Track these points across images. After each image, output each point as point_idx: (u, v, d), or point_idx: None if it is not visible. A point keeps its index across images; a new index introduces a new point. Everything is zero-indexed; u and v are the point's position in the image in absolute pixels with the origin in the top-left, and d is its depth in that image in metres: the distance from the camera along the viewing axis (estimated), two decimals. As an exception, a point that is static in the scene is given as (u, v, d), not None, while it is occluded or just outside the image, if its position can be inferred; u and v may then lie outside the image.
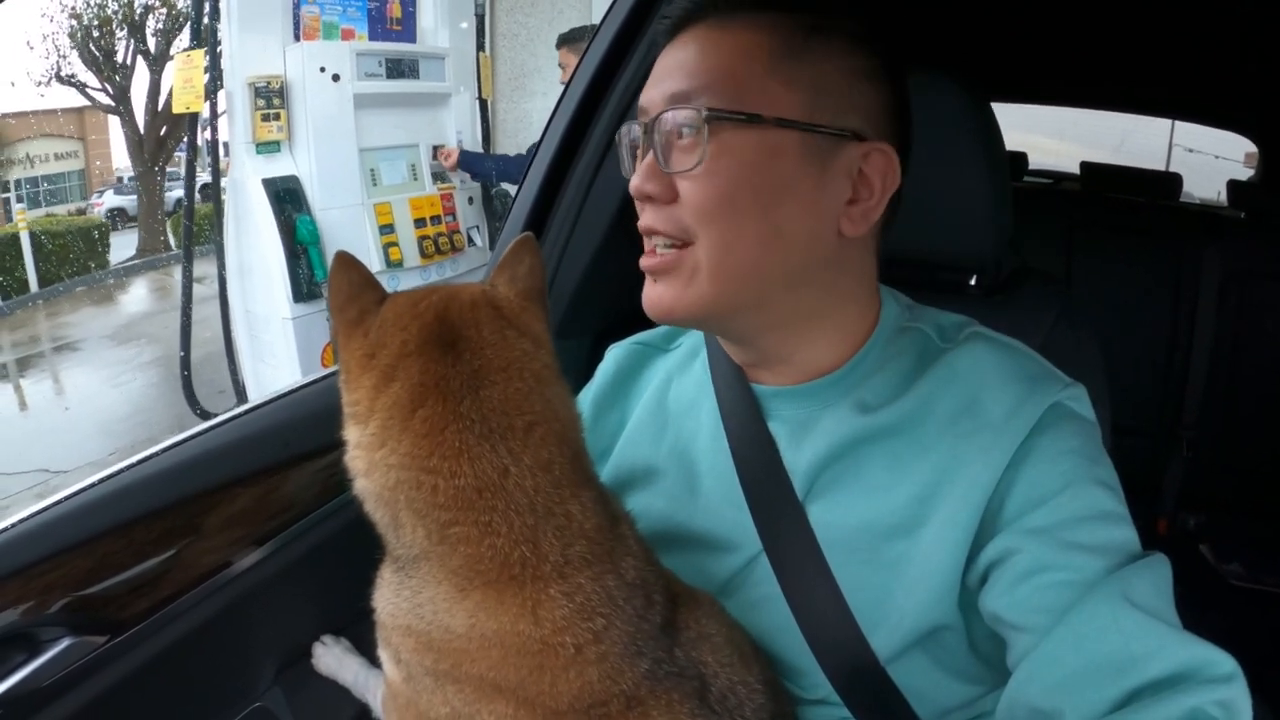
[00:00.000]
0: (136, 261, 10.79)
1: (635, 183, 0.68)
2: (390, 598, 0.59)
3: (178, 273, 3.51)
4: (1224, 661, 0.51)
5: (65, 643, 0.71)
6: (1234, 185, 2.59)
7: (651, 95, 0.69)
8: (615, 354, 0.89)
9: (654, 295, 0.69)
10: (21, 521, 0.70)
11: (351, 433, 0.60)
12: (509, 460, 0.57)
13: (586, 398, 0.87)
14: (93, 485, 0.75)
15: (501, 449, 0.57)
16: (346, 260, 0.63)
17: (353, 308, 0.62)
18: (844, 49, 0.66)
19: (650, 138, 0.67)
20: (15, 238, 9.24)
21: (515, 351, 0.60)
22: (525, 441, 0.58)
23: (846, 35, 0.67)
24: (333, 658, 0.94)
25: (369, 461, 0.58)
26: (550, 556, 0.56)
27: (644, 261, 0.70)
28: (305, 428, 0.90)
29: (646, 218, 0.69)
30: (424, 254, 3.53)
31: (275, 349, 3.27)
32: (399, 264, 3.43)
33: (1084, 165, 2.89)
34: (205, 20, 3.11)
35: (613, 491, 0.66)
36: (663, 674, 0.56)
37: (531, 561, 0.55)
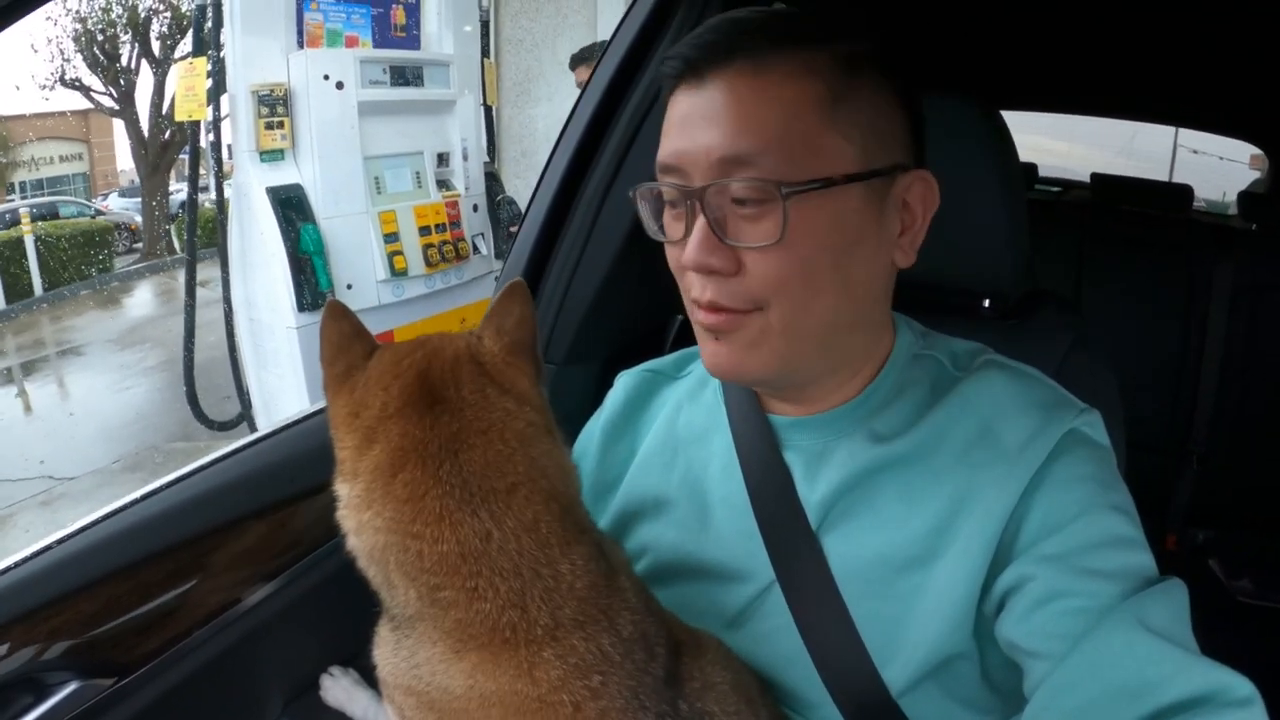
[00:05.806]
0: (140, 265, 10.85)
1: (694, 256, 0.62)
2: (389, 656, 0.59)
3: (181, 275, 3.51)
4: (1241, 686, 0.51)
5: (72, 686, 0.70)
6: (1244, 196, 2.58)
7: (688, 152, 0.63)
8: (625, 382, 0.88)
9: (718, 355, 0.66)
10: (26, 561, 0.70)
11: (341, 489, 0.60)
12: (491, 525, 0.56)
13: (596, 426, 0.86)
14: (97, 523, 0.74)
15: (483, 513, 0.56)
16: (338, 310, 0.63)
17: (341, 362, 0.62)
18: (876, 80, 0.64)
19: (696, 204, 0.62)
20: (20, 241, 9.28)
21: (496, 412, 0.59)
22: (508, 504, 0.57)
23: (876, 64, 0.64)
24: (341, 689, 0.93)
25: (357, 521, 0.58)
26: (540, 620, 0.55)
27: (704, 318, 0.65)
28: (310, 462, 0.88)
29: (709, 291, 0.63)
30: (429, 262, 3.49)
31: (279, 357, 3.25)
32: (404, 273, 3.40)
33: (1095, 177, 2.88)
34: (208, 25, 3.10)
35: (612, 539, 0.66)
36: None
37: (521, 626, 0.55)
